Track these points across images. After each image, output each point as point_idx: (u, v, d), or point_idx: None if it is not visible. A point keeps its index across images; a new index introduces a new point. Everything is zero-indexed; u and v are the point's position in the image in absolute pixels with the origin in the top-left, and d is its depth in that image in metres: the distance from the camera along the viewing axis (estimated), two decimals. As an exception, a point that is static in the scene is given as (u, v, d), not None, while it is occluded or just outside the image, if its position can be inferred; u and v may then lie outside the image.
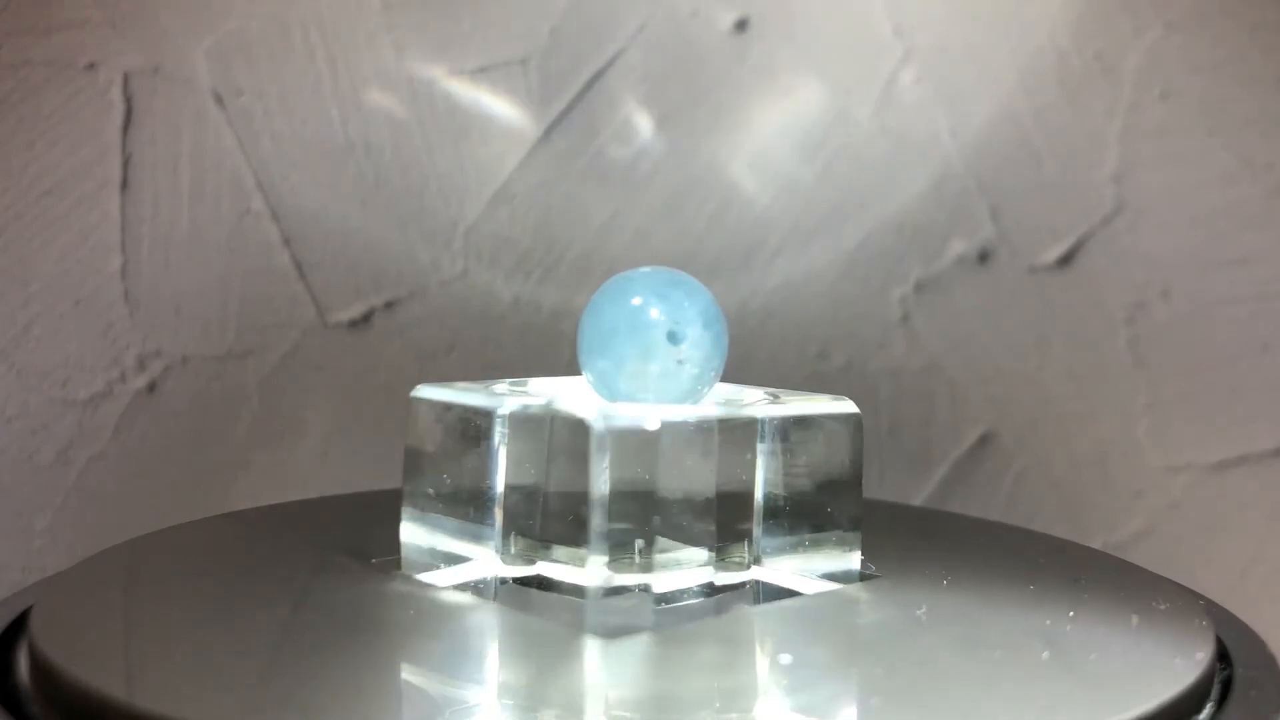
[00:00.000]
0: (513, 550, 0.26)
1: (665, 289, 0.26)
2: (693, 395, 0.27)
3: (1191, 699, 0.21)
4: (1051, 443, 0.41)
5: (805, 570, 0.27)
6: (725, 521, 0.26)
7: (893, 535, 0.31)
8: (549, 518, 0.25)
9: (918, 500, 0.42)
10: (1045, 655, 0.23)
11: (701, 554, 0.26)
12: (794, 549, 0.27)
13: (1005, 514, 0.41)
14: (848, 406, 0.28)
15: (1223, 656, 0.24)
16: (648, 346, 0.26)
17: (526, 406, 0.26)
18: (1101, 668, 0.22)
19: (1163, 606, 0.26)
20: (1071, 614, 0.25)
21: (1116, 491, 0.41)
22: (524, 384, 0.29)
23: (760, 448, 0.27)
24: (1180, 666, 0.22)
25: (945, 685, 0.21)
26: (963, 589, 0.27)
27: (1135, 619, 0.25)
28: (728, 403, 0.28)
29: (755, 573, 0.27)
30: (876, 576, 0.27)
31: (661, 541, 0.25)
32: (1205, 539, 0.41)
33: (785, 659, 0.23)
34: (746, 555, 0.27)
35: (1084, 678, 0.22)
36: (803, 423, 0.27)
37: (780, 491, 0.27)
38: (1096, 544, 0.41)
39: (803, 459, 0.27)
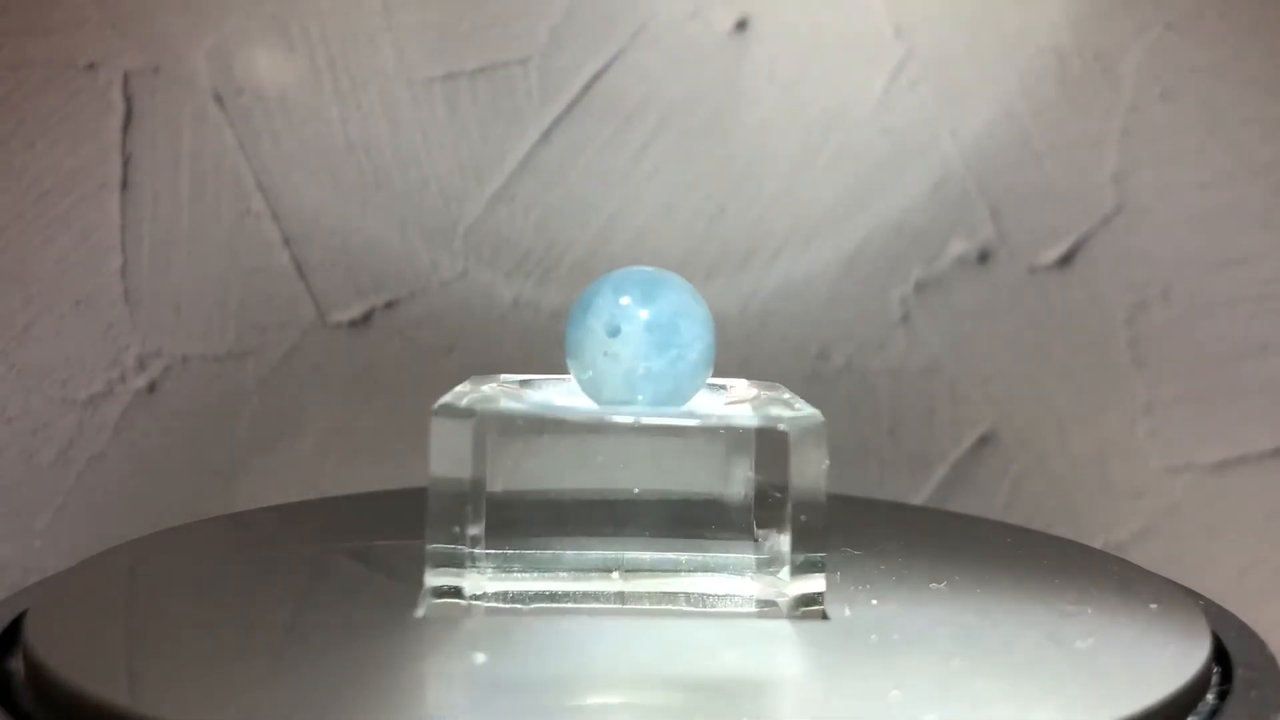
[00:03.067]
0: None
1: (630, 287, 0.26)
2: (636, 394, 0.26)
3: (1186, 698, 0.21)
4: (1051, 443, 0.41)
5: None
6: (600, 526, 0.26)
7: (891, 534, 0.31)
8: None
9: (918, 500, 0.42)
10: (1042, 653, 0.23)
11: (546, 556, 0.26)
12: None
13: (1005, 514, 0.41)
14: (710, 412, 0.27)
15: (1222, 656, 0.24)
16: (582, 341, 0.26)
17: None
18: (1098, 667, 0.22)
19: (1155, 606, 0.26)
20: (1089, 616, 0.25)
21: (1116, 491, 0.41)
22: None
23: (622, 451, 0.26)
24: (1176, 666, 0.22)
25: (939, 683, 0.21)
26: (959, 587, 0.27)
27: (1133, 618, 0.25)
28: (688, 405, 0.27)
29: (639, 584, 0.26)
30: (824, 610, 0.27)
31: (493, 542, 0.25)
32: (1205, 539, 0.41)
33: (479, 658, 0.22)
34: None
35: (1080, 677, 0.22)
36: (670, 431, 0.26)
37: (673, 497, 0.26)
38: (1097, 544, 0.41)
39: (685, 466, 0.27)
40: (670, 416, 0.26)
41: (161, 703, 0.20)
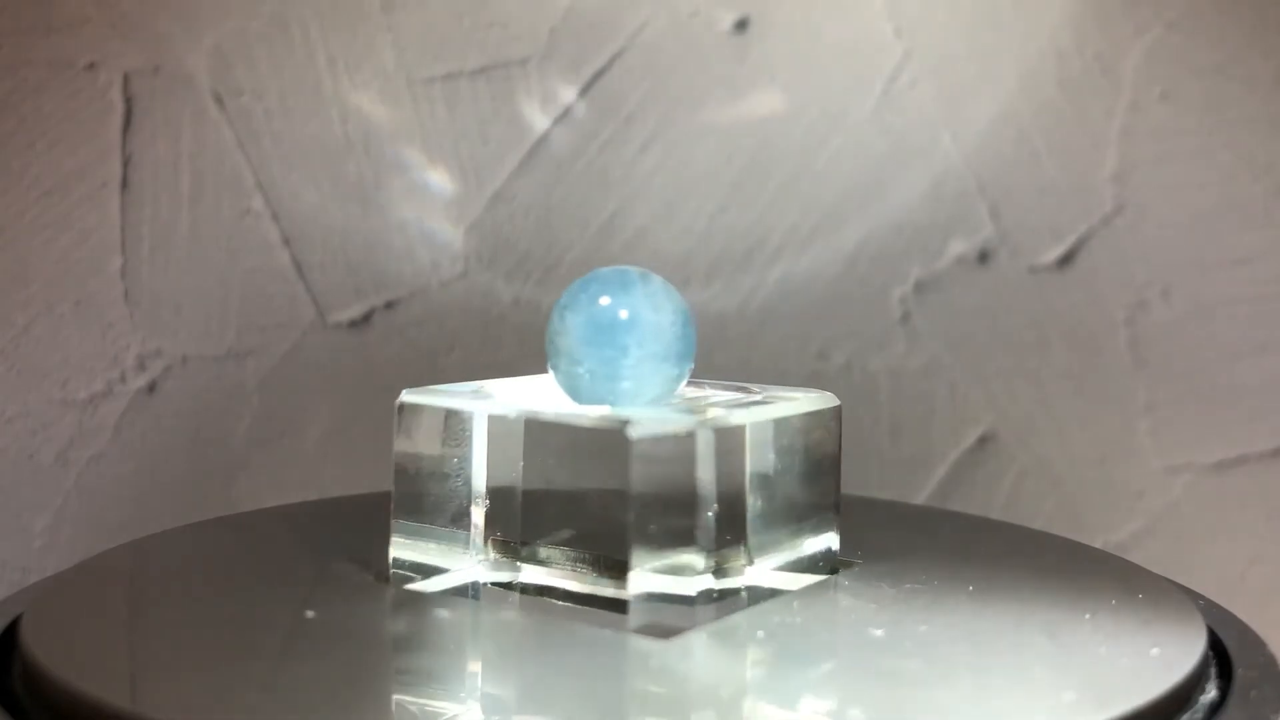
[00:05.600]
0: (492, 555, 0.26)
1: (594, 286, 0.26)
2: (578, 389, 0.26)
3: (1181, 697, 0.21)
4: (1051, 443, 0.41)
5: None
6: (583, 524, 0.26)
7: (893, 532, 0.31)
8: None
9: (918, 500, 0.42)
10: (1040, 653, 0.23)
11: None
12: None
13: (1005, 514, 0.41)
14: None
15: (1223, 656, 0.24)
16: (546, 333, 0.26)
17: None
18: (1096, 666, 0.22)
19: (1147, 600, 0.26)
20: (1088, 616, 0.25)
21: (1116, 491, 0.41)
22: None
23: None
24: (1172, 664, 0.22)
25: (935, 681, 0.21)
26: (959, 586, 0.26)
27: (1132, 617, 0.25)
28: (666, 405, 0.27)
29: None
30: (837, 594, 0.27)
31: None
32: (1205, 539, 0.41)
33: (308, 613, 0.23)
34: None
35: (1077, 676, 0.22)
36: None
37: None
38: (1097, 544, 0.41)
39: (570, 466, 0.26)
40: (543, 413, 0.25)
41: (159, 703, 0.20)
